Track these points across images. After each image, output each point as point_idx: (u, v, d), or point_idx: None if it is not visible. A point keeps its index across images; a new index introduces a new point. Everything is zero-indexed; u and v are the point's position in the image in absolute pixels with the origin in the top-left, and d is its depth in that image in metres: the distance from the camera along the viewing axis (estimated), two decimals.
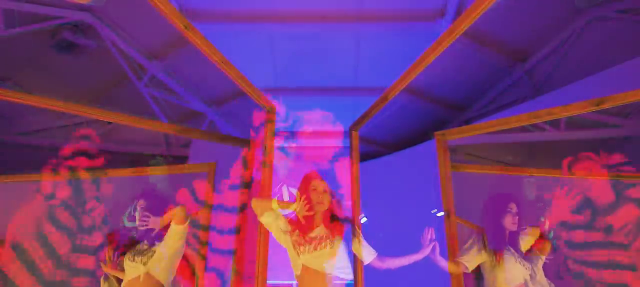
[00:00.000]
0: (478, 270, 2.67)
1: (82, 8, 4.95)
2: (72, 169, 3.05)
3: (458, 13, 4.93)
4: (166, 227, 2.60)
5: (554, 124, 5.14)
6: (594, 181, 2.60)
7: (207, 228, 3.05)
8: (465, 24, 2.34)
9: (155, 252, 2.55)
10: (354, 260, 2.77)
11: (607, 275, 2.56)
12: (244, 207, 2.92)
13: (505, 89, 6.11)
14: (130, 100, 6.13)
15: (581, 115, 2.73)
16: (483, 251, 2.57)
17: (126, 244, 2.71)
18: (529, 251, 2.60)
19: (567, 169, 2.70)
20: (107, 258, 2.78)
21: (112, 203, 3.18)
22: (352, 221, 2.38)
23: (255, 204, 2.21)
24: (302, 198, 2.14)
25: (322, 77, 6.17)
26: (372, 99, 3.11)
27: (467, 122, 6.55)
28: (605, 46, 5.01)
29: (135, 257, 2.54)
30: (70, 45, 5.15)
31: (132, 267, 2.52)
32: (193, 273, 2.97)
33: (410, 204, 5.55)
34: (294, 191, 2.25)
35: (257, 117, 2.97)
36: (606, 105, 2.52)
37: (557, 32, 5.22)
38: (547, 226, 2.70)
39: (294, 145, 5.90)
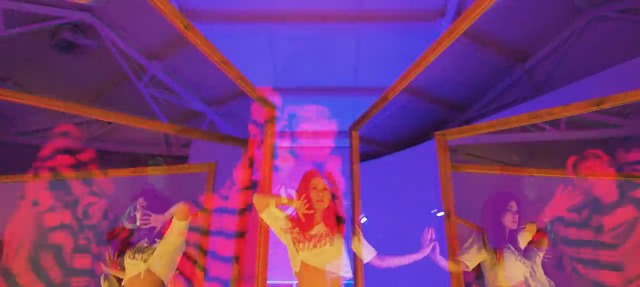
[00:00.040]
0: (478, 269, 2.68)
1: (82, 8, 4.95)
2: (61, 168, 3.04)
3: (458, 13, 4.93)
4: (166, 225, 2.60)
5: (554, 124, 5.14)
6: (598, 179, 2.60)
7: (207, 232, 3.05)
8: (465, 24, 2.33)
9: (155, 249, 2.55)
10: (354, 259, 2.77)
11: (593, 274, 2.60)
12: (247, 209, 2.91)
13: (505, 89, 6.12)
14: (130, 100, 6.13)
15: (581, 115, 2.73)
16: (483, 250, 2.58)
17: (126, 243, 2.71)
18: (527, 247, 2.62)
19: (573, 167, 2.70)
20: (107, 258, 2.78)
21: (112, 203, 3.18)
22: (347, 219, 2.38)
23: (257, 200, 2.23)
24: (302, 196, 2.15)
25: (322, 77, 6.17)
26: (372, 99, 3.11)
27: (467, 122, 6.56)
28: (605, 46, 5.01)
29: (136, 255, 2.54)
30: (70, 45, 5.16)
31: (133, 265, 2.52)
32: (194, 271, 2.97)
33: (410, 204, 5.55)
34: (293, 193, 2.25)
35: (259, 113, 2.96)
36: (606, 105, 2.52)
37: (557, 32, 5.22)
38: (546, 220, 2.71)
39: (294, 145, 5.90)
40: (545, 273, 2.63)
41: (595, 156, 2.64)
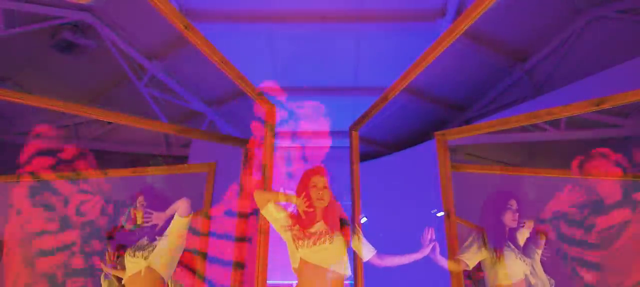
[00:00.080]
0: (478, 267, 2.69)
1: (82, 8, 4.95)
2: (41, 170, 3.02)
3: (458, 13, 4.93)
4: (167, 223, 2.60)
5: (554, 124, 5.14)
6: (603, 179, 2.60)
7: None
8: (465, 24, 2.34)
9: (156, 247, 2.55)
10: (354, 258, 2.78)
11: (579, 271, 2.62)
12: (253, 214, 2.89)
13: (506, 89, 6.11)
14: (130, 100, 6.13)
15: (581, 115, 2.73)
16: (483, 248, 2.59)
17: (126, 242, 2.71)
18: (526, 244, 2.64)
19: (579, 166, 2.70)
20: (107, 257, 2.78)
21: (108, 200, 3.17)
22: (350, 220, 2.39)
23: (258, 196, 2.24)
24: (302, 195, 2.16)
25: (322, 77, 6.17)
26: (372, 99, 3.12)
27: (467, 122, 6.55)
28: (605, 46, 5.01)
29: (136, 253, 2.54)
30: (70, 45, 5.15)
31: (133, 263, 2.52)
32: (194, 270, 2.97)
33: (410, 204, 5.55)
34: (291, 194, 2.26)
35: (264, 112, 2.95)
36: (606, 105, 2.53)
37: (557, 32, 5.22)
38: (548, 215, 2.72)
39: (294, 145, 5.90)
40: (545, 271, 2.65)
41: (602, 155, 2.64)
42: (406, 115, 6.70)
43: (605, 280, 2.49)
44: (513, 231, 2.62)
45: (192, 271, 2.97)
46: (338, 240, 2.16)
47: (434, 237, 2.35)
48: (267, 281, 2.71)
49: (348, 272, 2.17)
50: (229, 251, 2.92)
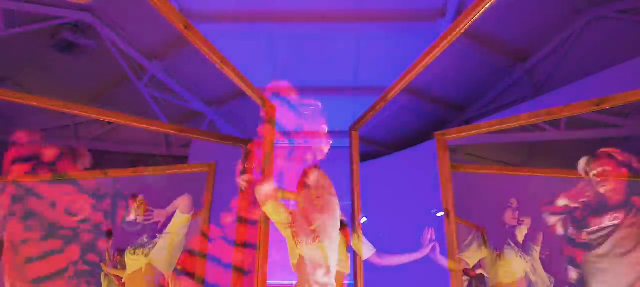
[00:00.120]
0: (476, 265, 2.70)
1: (82, 8, 4.95)
2: (21, 177, 3.00)
3: (458, 13, 4.93)
4: (168, 221, 2.60)
5: (554, 124, 5.14)
6: (607, 180, 2.58)
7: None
8: (465, 23, 2.34)
9: (156, 244, 2.55)
10: (354, 256, 2.78)
11: (567, 270, 2.63)
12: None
13: (506, 89, 6.11)
14: (130, 100, 6.13)
15: (581, 115, 2.73)
16: (483, 247, 2.61)
17: (126, 241, 2.71)
18: (524, 241, 2.65)
19: (587, 165, 2.69)
20: (106, 257, 2.78)
21: (111, 202, 3.17)
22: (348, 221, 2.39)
23: (259, 192, 2.24)
24: (302, 192, 2.18)
25: (322, 77, 6.17)
26: (372, 99, 3.11)
27: (467, 122, 6.55)
28: (605, 46, 5.01)
29: (136, 250, 2.54)
30: (70, 45, 5.15)
31: (134, 260, 2.53)
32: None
33: (410, 204, 5.55)
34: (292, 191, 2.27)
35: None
36: (606, 105, 2.52)
37: (557, 32, 5.22)
38: (557, 210, 2.72)
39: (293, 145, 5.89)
40: (545, 269, 2.66)
41: (609, 155, 2.63)
42: (406, 115, 6.70)
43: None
44: (513, 229, 2.64)
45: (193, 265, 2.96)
46: (338, 238, 2.17)
47: (433, 237, 2.36)
48: (267, 281, 2.71)
49: (347, 270, 2.18)
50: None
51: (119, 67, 5.61)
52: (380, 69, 5.84)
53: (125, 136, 6.65)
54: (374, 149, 7.36)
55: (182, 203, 2.59)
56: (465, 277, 2.89)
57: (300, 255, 2.14)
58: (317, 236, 2.15)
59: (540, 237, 2.68)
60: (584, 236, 2.52)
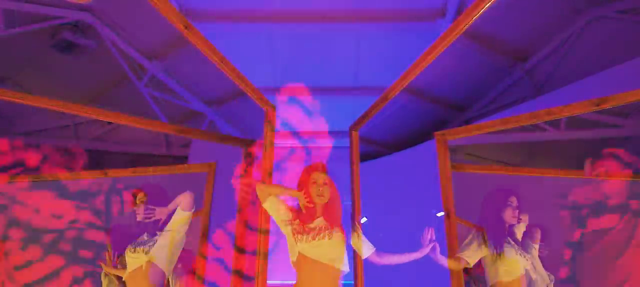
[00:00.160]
0: (476, 264, 2.70)
1: (82, 8, 4.95)
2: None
3: (458, 13, 4.93)
4: (168, 218, 2.60)
5: (554, 124, 5.14)
6: (610, 180, 2.59)
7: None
8: (465, 23, 2.34)
9: (157, 241, 2.55)
10: (354, 256, 2.78)
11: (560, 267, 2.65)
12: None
13: (506, 89, 6.11)
14: (130, 100, 6.13)
15: (581, 115, 2.73)
16: (483, 246, 2.61)
17: (125, 240, 2.70)
18: (523, 239, 2.65)
19: (590, 165, 2.70)
20: (106, 257, 2.78)
21: (105, 199, 3.17)
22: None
23: (260, 189, 2.25)
24: (302, 191, 2.18)
25: (322, 77, 6.17)
26: (372, 99, 3.11)
27: (467, 122, 6.55)
28: (605, 46, 5.01)
29: (137, 249, 2.54)
30: (70, 45, 5.15)
31: (134, 259, 2.52)
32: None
33: (410, 204, 5.55)
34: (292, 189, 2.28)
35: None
36: (606, 105, 2.53)
37: (557, 32, 5.22)
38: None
39: (293, 145, 5.90)
40: (545, 267, 2.67)
41: (614, 156, 2.63)
42: (406, 115, 6.70)
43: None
44: (512, 227, 2.64)
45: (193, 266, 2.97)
46: (337, 236, 2.18)
47: (434, 237, 2.36)
48: (267, 281, 2.72)
49: (346, 268, 2.18)
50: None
51: (119, 67, 5.61)
52: (380, 69, 5.84)
53: (125, 136, 6.64)
54: (374, 149, 7.35)
55: (184, 200, 2.59)
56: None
57: (299, 252, 2.15)
58: (317, 234, 2.15)
59: (538, 235, 2.69)
60: (580, 236, 2.53)
